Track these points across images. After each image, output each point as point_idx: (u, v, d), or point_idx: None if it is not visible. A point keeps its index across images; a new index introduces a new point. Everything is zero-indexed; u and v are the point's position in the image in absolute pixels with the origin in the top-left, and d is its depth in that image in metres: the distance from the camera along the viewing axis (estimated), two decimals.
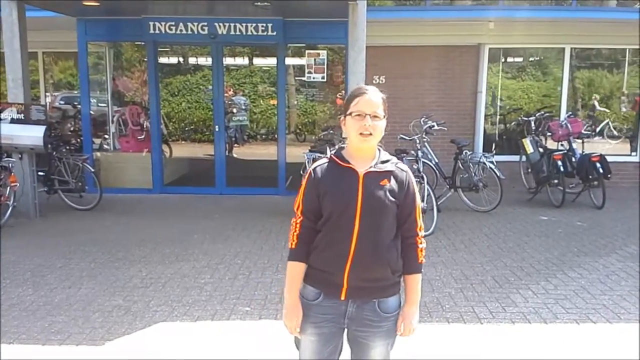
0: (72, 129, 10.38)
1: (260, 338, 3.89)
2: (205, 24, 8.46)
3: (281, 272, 5.20)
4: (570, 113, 9.60)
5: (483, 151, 9.48)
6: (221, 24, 8.46)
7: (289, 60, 9.37)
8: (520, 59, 10.56)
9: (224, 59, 9.08)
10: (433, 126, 7.72)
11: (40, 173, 7.66)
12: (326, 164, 2.19)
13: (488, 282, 5.03)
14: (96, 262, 5.51)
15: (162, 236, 6.47)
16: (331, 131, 8.85)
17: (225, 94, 9.34)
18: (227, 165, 9.18)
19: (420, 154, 7.43)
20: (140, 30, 8.53)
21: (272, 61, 9.37)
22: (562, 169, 8.04)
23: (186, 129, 9.94)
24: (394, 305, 2.20)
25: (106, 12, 8.43)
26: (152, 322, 4.12)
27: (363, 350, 2.23)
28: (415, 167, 7.21)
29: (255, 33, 8.49)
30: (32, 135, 7.13)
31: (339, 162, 2.15)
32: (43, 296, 4.61)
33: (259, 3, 7.32)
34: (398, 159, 2.25)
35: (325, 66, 8.88)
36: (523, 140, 8.78)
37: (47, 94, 11.41)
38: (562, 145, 8.88)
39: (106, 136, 9.71)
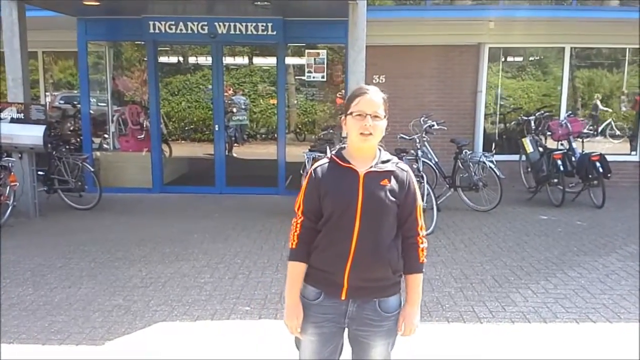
0: (71, 128, 10.38)
1: (260, 338, 3.89)
2: (205, 23, 8.46)
3: (281, 272, 5.20)
4: (570, 112, 9.60)
5: (483, 151, 9.48)
6: (221, 24, 8.45)
7: (289, 60, 9.37)
8: (520, 59, 10.56)
9: (223, 58, 9.08)
10: (433, 126, 7.72)
11: (40, 172, 7.66)
12: (327, 164, 2.19)
13: (488, 282, 5.03)
14: (96, 262, 5.51)
15: (161, 235, 6.47)
16: (331, 131, 8.85)
17: (225, 94, 9.34)
18: (227, 165, 9.18)
19: (420, 153, 7.43)
20: (140, 30, 8.53)
21: (272, 60, 9.37)
22: (561, 168, 8.04)
23: (186, 128, 9.94)
24: (394, 304, 2.21)
25: (106, 11, 8.43)
26: (152, 322, 4.12)
27: (364, 350, 2.23)
28: (415, 166, 7.21)
29: (255, 32, 8.49)
30: (32, 134, 7.12)
31: (340, 162, 2.16)
32: (43, 296, 4.62)
33: (258, 2, 7.31)
34: (398, 158, 2.25)
35: (325, 65, 8.88)
36: (523, 139, 8.78)
37: (47, 93, 11.41)
38: (562, 144, 8.88)
39: (106, 136, 9.70)
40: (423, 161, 7.42)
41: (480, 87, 9.87)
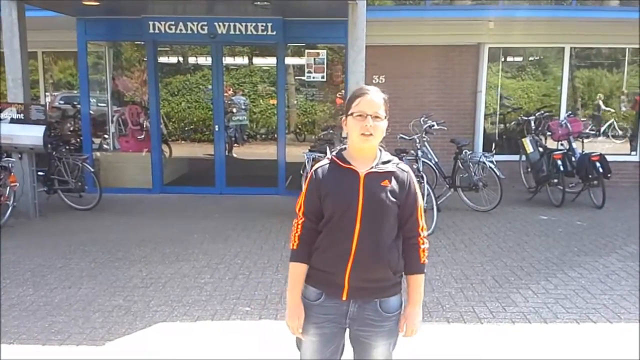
0: (71, 128, 10.38)
1: (260, 338, 3.89)
2: (205, 23, 8.46)
3: (281, 272, 5.20)
4: (570, 112, 9.60)
5: (483, 151, 9.48)
6: (221, 24, 8.45)
7: (289, 60, 9.37)
8: (520, 59, 10.56)
9: (223, 58, 9.08)
10: (433, 126, 7.72)
11: (40, 173, 7.65)
12: (327, 165, 2.19)
13: (488, 282, 5.03)
14: (96, 262, 5.51)
15: (162, 236, 6.47)
16: (331, 131, 8.85)
17: (225, 94, 9.34)
18: (227, 165, 9.18)
19: (420, 153, 7.43)
20: (140, 30, 8.53)
21: (271, 61, 9.37)
22: (562, 168, 8.04)
23: (186, 128, 9.94)
24: (395, 304, 2.21)
25: (106, 11, 8.43)
26: (152, 322, 4.12)
27: (365, 350, 2.23)
28: (415, 166, 7.21)
29: (255, 33, 8.49)
30: (32, 135, 7.12)
31: (340, 163, 2.16)
32: (43, 296, 4.61)
33: (258, 2, 7.31)
34: (398, 158, 2.25)
35: (325, 66, 8.88)
36: (523, 139, 8.78)
37: (46, 93, 11.41)
38: (561, 144, 8.89)
39: (106, 136, 9.70)
40: (423, 161, 7.42)
41: (480, 87, 9.87)
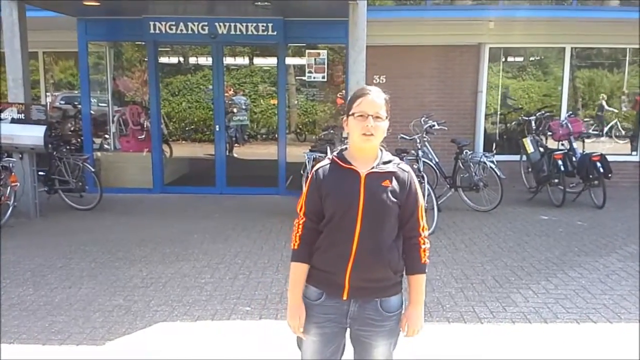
0: (72, 128, 10.39)
1: (260, 338, 3.89)
2: (206, 23, 8.46)
3: (281, 272, 5.21)
4: (571, 112, 9.61)
5: (483, 151, 9.48)
6: (221, 24, 8.46)
7: (289, 60, 9.37)
8: (521, 59, 10.56)
9: (224, 58, 9.09)
10: (433, 126, 7.72)
11: (40, 173, 7.66)
12: (328, 165, 2.19)
13: (488, 282, 5.03)
14: (96, 262, 5.51)
15: (162, 236, 6.47)
16: (332, 131, 8.84)
17: (226, 94, 9.34)
18: (228, 165, 9.19)
19: (420, 153, 7.43)
20: (141, 30, 8.54)
21: (272, 61, 9.37)
22: (562, 168, 8.04)
23: (186, 128, 9.93)
24: (396, 304, 2.21)
25: (106, 12, 8.43)
26: (153, 322, 4.12)
27: (366, 350, 2.23)
28: (416, 166, 7.21)
29: (255, 33, 8.49)
30: (33, 135, 7.13)
31: (341, 163, 2.16)
32: (43, 296, 4.62)
33: (259, 3, 7.31)
34: (399, 158, 2.25)
35: (326, 66, 8.88)
36: (523, 139, 8.78)
37: (47, 93, 11.42)
38: (562, 144, 8.88)
39: (106, 136, 9.71)
40: (424, 161, 7.42)
41: (481, 87, 9.87)
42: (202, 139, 9.83)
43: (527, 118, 9.10)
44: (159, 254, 5.78)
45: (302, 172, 7.86)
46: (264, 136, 10.20)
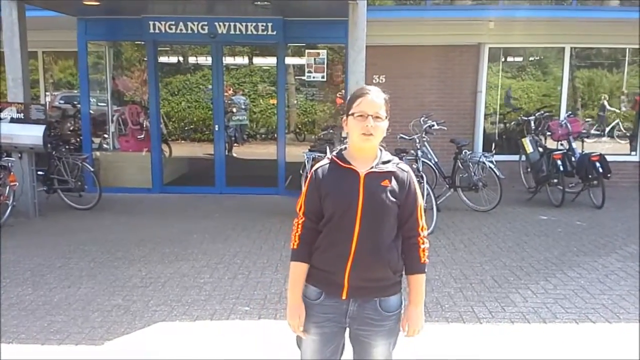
0: (71, 128, 10.38)
1: (259, 338, 3.89)
2: (205, 23, 8.45)
3: (280, 272, 5.21)
4: (570, 112, 9.61)
5: (483, 151, 9.48)
6: (221, 24, 8.45)
7: (289, 60, 9.37)
8: (520, 59, 10.56)
9: (223, 58, 9.08)
10: (433, 126, 7.72)
11: (39, 172, 7.66)
12: (327, 165, 2.20)
13: (487, 282, 5.03)
14: (95, 262, 5.51)
15: (161, 236, 6.47)
16: (331, 131, 8.85)
17: (225, 94, 9.34)
18: (227, 165, 9.18)
19: (420, 153, 7.44)
20: (140, 30, 8.53)
21: (272, 60, 9.38)
22: (561, 168, 8.04)
23: (186, 128, 9.94)
24: (395, 304, 2.21)
25: (106, 11, 8.43)
26: (152, 322, 4.12)
27: (365, 350, 2.23)
28: (415, 166, 7.21)
29: (255, 32, 8.49)
30: (32, 134, 7.12)
31: (340, 163, 2.16)
32: (42, 295, 4.61)
33: (258, 2, 7.31)
34: (399, 158, 2.25)
35: (325, 65, 8.87)
36: (523, 139, 8.78)
37: (46, 93, 11.42)
38: (561, 144, 8.88)
39: (106, 135, 9.71)
40: (423, 161, 7.42)
41: (480, 87, 9.87)
42: (202, 138, 9.83)
43: (526, 118, 9.10)
44: (158, 254, 5.78)
45: (301, 171, 7.86)
46: (263, 136, 10.21)
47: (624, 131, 10.36)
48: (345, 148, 2.21)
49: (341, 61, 9.14)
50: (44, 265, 5.40)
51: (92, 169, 7.99)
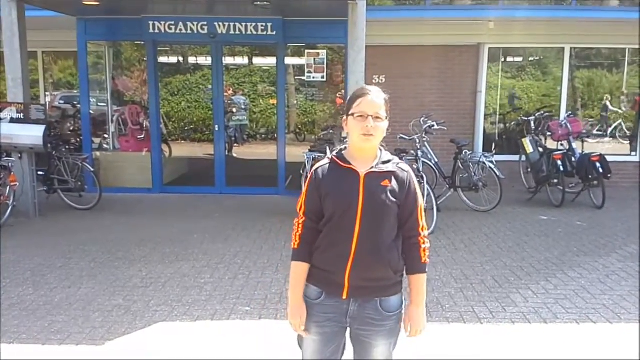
0: (71, 128, 10.38)
1: (260, 338, 3.89)
2: (205, 23, 8.45)
3: (281, 272, 5.21)
4: (570, 113, 9.61)
5: (483, 151, 9.49)
6: (221, 24, 8.45)
7: (289, 60, 9.37)
8: (520, 59, 10.56)
9: (223, 58, 9.08)
10: (433, 126, 7.72)
11: (39, 172, 7.65)
12: (327, 165, 2.20)
13: (488, 282, 5.03)
14: (96, 262, 5.51)
15: (162, 236, 6.47)
16: (331, 131, 8.85)
17: (225, 94, 9.34)
18: (227, 165, 9.18)
19: (420, 153, 7.43)
20: (140, 30, 8.53)
21: (271, 61, 9.37)
22: (561, 168, 8.04)
23: (186, 128, 9.94)
24: (395, 304, 2.21)
25: (106, 11, 8.43)
26: (152, 322, 4.12)
27: (365, 350, 2.23)
28: (415, 166, 7.21)
29: (255, 32, 8.49)
30: (32, 134, 7.12)
31: (340, 163, 2.16)
32: (43, 296, 4.61)
33: (258, 2, 7.31)
34: (399, 159, 2.25)
35: (325, 66, 8.88)
36: (523, 140, 8.78)
37: (46, 93, 11.41)
38: (561, 145, 8.89)
39: (106, 136, 9.70)
40: (423, 161, 7.42)
41: (480, 87, 9.87)
42: (202, 138, 9.83)
43: (526, 118, 9.10)
44: (159, 254, 5.78)
45: (301, 172, 7.87)
46: (263, 136, 10.21)
47: (627, 131, 10.35)
48: (346, 148, 2.21)
49: (341, 61, 9.14)
50: (45, 265, 5.40)
51: (92, 169, 7.99)
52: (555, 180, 8.11)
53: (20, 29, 7.12)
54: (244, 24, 8.45)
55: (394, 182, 2.13)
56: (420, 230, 2.19)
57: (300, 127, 9.87)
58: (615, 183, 9.08)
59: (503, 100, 10.25)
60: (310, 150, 7.87)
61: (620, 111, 10.36)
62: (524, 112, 9.84)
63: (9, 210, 6.83)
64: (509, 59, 10.43)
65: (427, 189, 6.75)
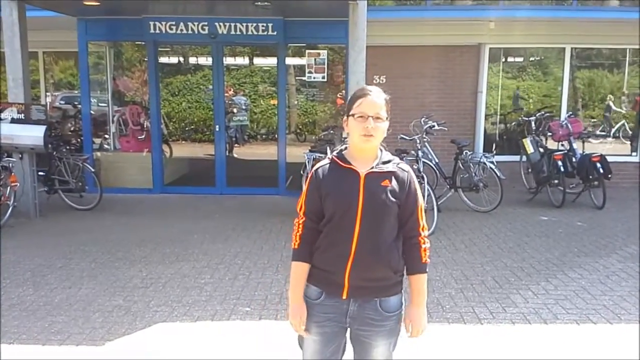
0: (72, 128, 10.39)
1: (260, 338, 3.89)
2: (206, 23, 8.46)
3: (281, 273, 5.21)
4: (571, 113, 9.61)
5: (483, 151, 9.48)
6: (221, 24, 8.45)
7: (290, 60, 9.37)
8: (521, 59, 10.56)
9: (224, 58, 9.08)
10: (433, 126, 7.72)
11: (40, 173, 7.66)
12: (328, 165, 2.20)
13: (488, 283, 5.03)
14: (96, 262, 5.51)
15: (162, 236, 6.47)
16: (331, 131, 8.85)
17: (226, 94, 9.34)
18: (228, 165, 9.18)
19: (420, 154, 7.43)
20: (141, 30, 8.53)
21: (272, 61, 9.37)
22: (562, 169, 8.04)
23: (186, 128, 9.94)
24: (395, 304, 2.21)
25: (106, 11, 8.43)
26: (152, 323, 4.12)
27: (365, 350, 2.23)
28: (416, 167, 7.21)
29: (255, 33, 8.49)
30: (33, 135, 7.13)
31: (340, 163, 2.16)
32: (43, 296, 4.61)
33: (259, 3, 7.31)
34: (399, 159, 2.25)
35: (326, 66, 8.88)
36: (523, 140, 8.78)
37: (47, 93, 11.42)
38: (562, 145, 8.88)
39: (106, 136, 9.71)
40: (423, 162, 7.42)
41: (481, 87, 9.87)
42: (202, 139, 9.83)
43: (527, 118, 9.09)
44: (159, 254, 5.78)
45: (302, 172, 7.87)
46: (263, 136, 10.21)
47: (630, 132, 10.33)
48: (346, 148, 2.21)
49: (342, 61, 9.14)
50: (45, 265, 5.40)
51: (92, 170, 7.99)
52: (556, 181, 8.11)
53: (21, 29, 7.13)
54: (244, 24, 8.46)
55: (394, 182, 2.13)
56: (420, 230, 2.19)
57: (300, 127, 9.87)
58: (616, 183, 9.07)
59: (504, 100, 10.24)
60: (310, 151, 7.87)
61: (623, 111, 10.35)
62: (525, 112, 9.83)
63: (9, 211, 6.84)
64: (510, 59, 10.42)
65: (428, 190, 6.75)
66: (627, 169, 9.92)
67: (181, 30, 8.50)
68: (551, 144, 8.99)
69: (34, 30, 7.70)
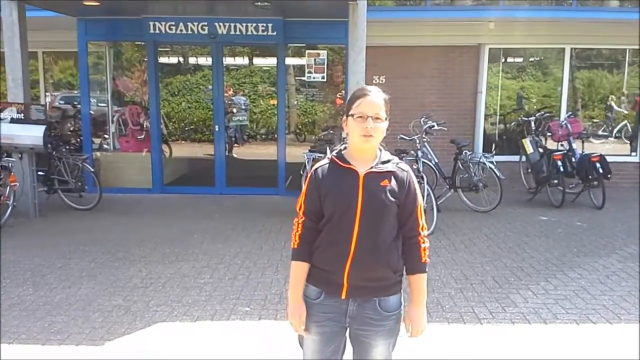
0: (72, 128, 10.38)
1: (260, 338, 3.89)
2: (205, 23, 8.46)
3: (281, 272, 5.21)
4: (570, 113, 9.61)
5: (483, 151, 9.48)
6: (221, 24, 8.45)
7: (289, 60, 9.37)
8: (521, 59, 10.56)
9: (224, 58, 9.08)
10: (433, 126, 7.73)
11: (40, 173, 7.66)
12: (327, 165, 2.20)
13: (488, 283, 5.03)
14: (96, 262, 5.51)
15: (161, 236, 6.47)
16: (331, 131, 8.86)
17: (225, 94, 9.34)
18: (227, 165, 9.18)
19: (420, 154, 7.43)
20: (141, 30, 8.53)
21: (272, 61, 9.38)
22: (562, 169, 8.04)
23: (186, 128, 9.94)
24: (395, 304, 2.21)
25: (106, 12, 8.43)
26: (152, 322, 4.12)
27: (365, 350, 2.23)
28: (415, 167, 7.21)
29: (255, 33, 8.49)
30: (32, 135, 7.13)
31: (340, 163, 2.16)
32: (43, 296, 4.61)
33: (259, 3, 7.31)
34: (399, 159, 2.25)
35: (325, 66, 8.88)
36: (523, 140, 8.78)
37: (47, 93, 11.41)
38: (562, 145, 8.88)
39: (106, 136, 9.71)
40: (423, 162, 7.42)
41: (481, 87, 9.87)
42: (202, 139, 9.84)
43: (526, 119, 9.10)
44: (159, 254, 5.78)
45: (301, 172, 7.87)
46: (263, 136, 10.21)
47: (632, 132, 10.33)
48: (345, 148, 2.21)
49: (341, 62, 9.14)
50: (45, 265, 5.40)
51: (92, 170, 7.99)
52: (556, 181, 8.11)
53: (20, 30, 7.13)
54: (244, 25, 8.46)
55: (393, 182, 2.13)
56: (420, 230, 2.19)
57: (300, 127, 9.87)
58: (616, 183, 9.07)
59: (503, 100, 10.25)
60: (310, 151, 7.88)
61: (625, 112, 10.35)
62: (524, 112, 9.84)
63: (9, 211, 6.84)
64: (510, 59, 10.43)
65: (427, 189, 6.75)
66: (626, 169, 9.92)
67: (181, 30, 8.50)
68: (551, 144, 8.99)
69: (34, 30, 7.70)
